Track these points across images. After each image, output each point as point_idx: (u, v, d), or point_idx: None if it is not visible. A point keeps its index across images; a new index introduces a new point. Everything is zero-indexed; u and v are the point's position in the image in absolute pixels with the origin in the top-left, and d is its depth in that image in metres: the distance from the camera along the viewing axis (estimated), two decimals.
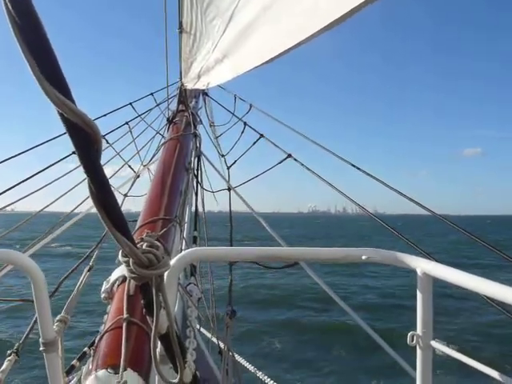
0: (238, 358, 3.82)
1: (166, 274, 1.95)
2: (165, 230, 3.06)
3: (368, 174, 4.83)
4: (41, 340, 1.82)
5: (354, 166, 5.07)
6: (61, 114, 0.90)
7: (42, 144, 5.14)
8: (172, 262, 2.00)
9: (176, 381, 1.42)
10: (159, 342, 1.46)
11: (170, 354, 1.43)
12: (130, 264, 1.14)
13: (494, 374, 2.09)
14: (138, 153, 5.79)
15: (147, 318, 1.30)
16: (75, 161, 5.12)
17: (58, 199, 4.73)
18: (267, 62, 3.23)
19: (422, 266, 2.19)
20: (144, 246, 1.17)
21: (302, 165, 5.12)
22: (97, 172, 1.01)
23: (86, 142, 0.96)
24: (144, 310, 1.30)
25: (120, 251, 1.16)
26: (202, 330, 6.04)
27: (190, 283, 3.20)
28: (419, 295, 2.24)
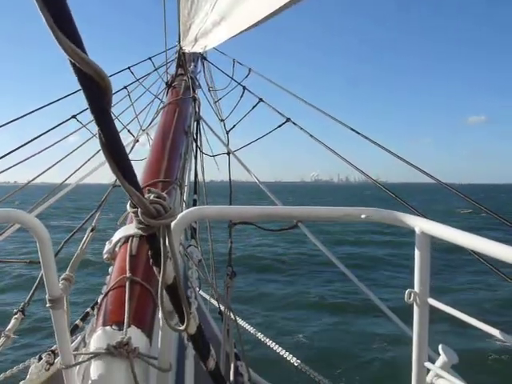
0: (238, 320, 3.89)
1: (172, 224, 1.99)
2: (165, 191, 3.07)
3: (367, 139, 4.82)
4: (47, 297, 1.86)
5: (353, 130, 5.05)
6: (73, 65, 0.91)
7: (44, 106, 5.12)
8: (174, 221, 2.03)
9: (182, 328, 1.47)
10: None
11: (176, 305, 1.47)
12: (139, 214, 1.17)
13: (490, 329, 2.15)
14: (136, 117, 5.78)
15: (154, 268, 1.34)
16: (76, 127, 5.14)
17: (52, 166, 4.74)
18: (262, 20, 3.22)
19: (421, 224, 2.23)
20: (151, 197, 1.20)
21: (301, 129, 5.11)
22: (108, 123, 1.03)
23: (98, 92, 0.97)
24: (151, 261, 1.33)
25: (128, 202, 1.19)
26: (201, 292, 6.13)
27: (190, 245, 3.24)
28: (417, 253, 2.29)
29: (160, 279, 1.31)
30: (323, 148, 4.86)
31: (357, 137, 5.04)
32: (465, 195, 4.07)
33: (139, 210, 1.17)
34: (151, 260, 1.33)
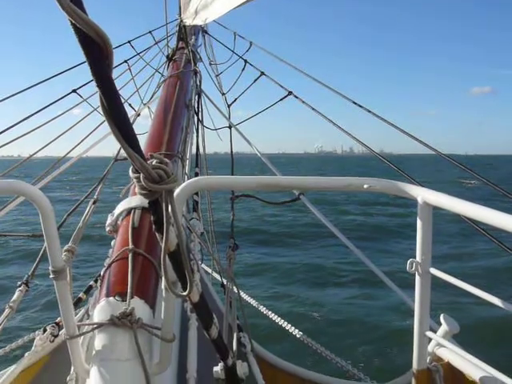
0: (241, 292, 3.92)
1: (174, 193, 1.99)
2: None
3: (369, 111, 4.83)
4: (50, 268, 1.87)
5: (355, 103, 5.06)
6: (74, 26, 0.90)
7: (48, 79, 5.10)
8: (177, 191, 2.02)
9: (185, 293, 1.47)
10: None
11: (179, 272, 1.47)
12: (141, 179, 1.16)
13: (491, 298, 2.17)
14: (137, 91, 5.75)
15: (157, 235, 1.33)
16: (77, 101, 5.12)
17: (55, 139, 4.73)
18: None
19: (423, 194, 2.23)
20: (154, 163, 1.19)
21: (303, 102, 5.10)
22: (109, 86, 1.02)
23: (99, 54, 0.96)
24: (154, 228, 1.32)
25: (130, 168, 1.18)
26: (204, 266, 6.18)
27: (192, 218, 3.25)
28: (419, 223, 2.29)
29: (163, 245, 1.31)
30: (326, 121, 4.85)
31: (361, 112, 5.05)
32: (461, 164, 4.08)
33: (141, 175, 1.16)
34: (154, 227, 1.32)
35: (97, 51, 0.95)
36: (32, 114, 4.73)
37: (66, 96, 5.11)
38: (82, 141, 4.70)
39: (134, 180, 1.18)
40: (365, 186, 2.23)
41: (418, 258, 2.32)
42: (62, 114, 4.97)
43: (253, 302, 5.68)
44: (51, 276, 1.86)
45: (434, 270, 2.32)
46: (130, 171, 1.18)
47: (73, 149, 4.67)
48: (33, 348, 3.15)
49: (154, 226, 1.31)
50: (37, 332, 3.53)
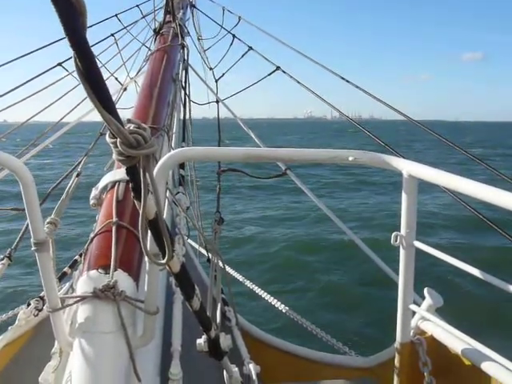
0: (227, 268, 3.93)
1: (155, 171, 1.96)
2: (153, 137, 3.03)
3: (356, 87, 4.86)
4: (32, 240, 1.84)
5: (343, 78, 5.10)
6: None
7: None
8: (161, 161, 2.00)
9: (164, 261, 1.46)
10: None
11: (160, 242, 1.45)
12: (118, 144, 1.13)
13: (474, 270, 2.18)
14: (123, 64, 5.69)
15: (135, 203, 1.31)
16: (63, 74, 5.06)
17: (42, 111, 4.68)
18: None
19: (408, 167, 2.22)
20: (131, 128, 1.16)
21: (291, 77, 5.10)
22: (83, 46, 0.98)
23: (71, 13, 0.92)
24: (132, 195, 1.30)
25: (107, 133, 1.15)
26: (190, 241, 6.19)
27: (178, 192, 3.23)
28: (404, 197, 2.29)
29: (140, 212, 1.29)
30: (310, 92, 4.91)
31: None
32: (434, 132, 4.15)
33: (118, 140, 1.13)
34: (132, 194, 1.30)
35: (69, 8, 0.92)
36: (18, 86, 4.67)
37: (51, 69, 5.05)
38: (68, 113, 4.66)
39: (111, 145, 1.15)
40: (350, 159, 2.22)
41: (403, 231, 2.33)
42: (48, 86, 4.89)
43: (239, 276, 5.70)
44: (33, 248, 1.84)
45: (418, 243, 2.33)
46: (107, 136, 1.15)
47: (59, 121, 4.62)
48: (16, 322, 3.14)
49: (132, 194, 1.29)
50: (21, 306, 3.52)
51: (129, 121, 1.18)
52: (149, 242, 1.55)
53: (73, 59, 1.00)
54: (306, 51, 5.54)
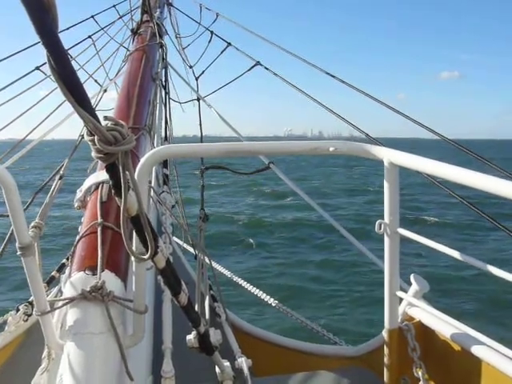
0: (214, 264, 3.93)
1: (137, 169, 1.96)
2: (135, 138, 3.02)
3: (343, 82, 4.83)
4: (17, 245, 1.84)
5: (328, 73, 5.05)
6: None
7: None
8: (143, 158, 2.01)
9: (147, 256, 1.46)
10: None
11: (142, 237, 1.46)
12: (96, 142, 1.13)
13: (455, 254, 2.22)
14: (102, 65, 5.64)
15: (116, 200, 1.31)
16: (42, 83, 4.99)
17: (16, 118, 4.62)
18: None
19: (389, 155, 2.25)
20: (109, 125, 1.16)
21: (271, 71, 5.09)
22: (54, 42, 0.97)
23: (40, 7, 0.91)
24: (113, 192, 1.31)
25: (85, 131, 1.15)
26: (175, 238, 6.18)
27: (163, 191, 3.23)
28: (386, 185, 2.31)
29: (121, 208, 1.29)
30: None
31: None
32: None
33: (96, 137, 1.13)
34: (113, 191, 1.30)
35: (38, 4, 0.91)
36: None
37: (29, 73, 5.00)
38: (43, 120, 4.59)
39: (90, 143, 1.15)
40: (331, 149, 2.24)
41: (386, 218, 2.35)
42: (25, 91, 4.84)
43: (225, 271, 5.69)
44: (18, 252, 1.83)
45: (401, 230, 2.35)
46: (85, 134, 1.15)
47: (34, 129, 4.56)
48: (6, 328, 3.12)
49: (113, 191, 1.30)
50: (10, 313, 3.50)
51: (105, 118, 1.18)
52: (134, 240, 1.55)
53: (46, 58, 0.99)
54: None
